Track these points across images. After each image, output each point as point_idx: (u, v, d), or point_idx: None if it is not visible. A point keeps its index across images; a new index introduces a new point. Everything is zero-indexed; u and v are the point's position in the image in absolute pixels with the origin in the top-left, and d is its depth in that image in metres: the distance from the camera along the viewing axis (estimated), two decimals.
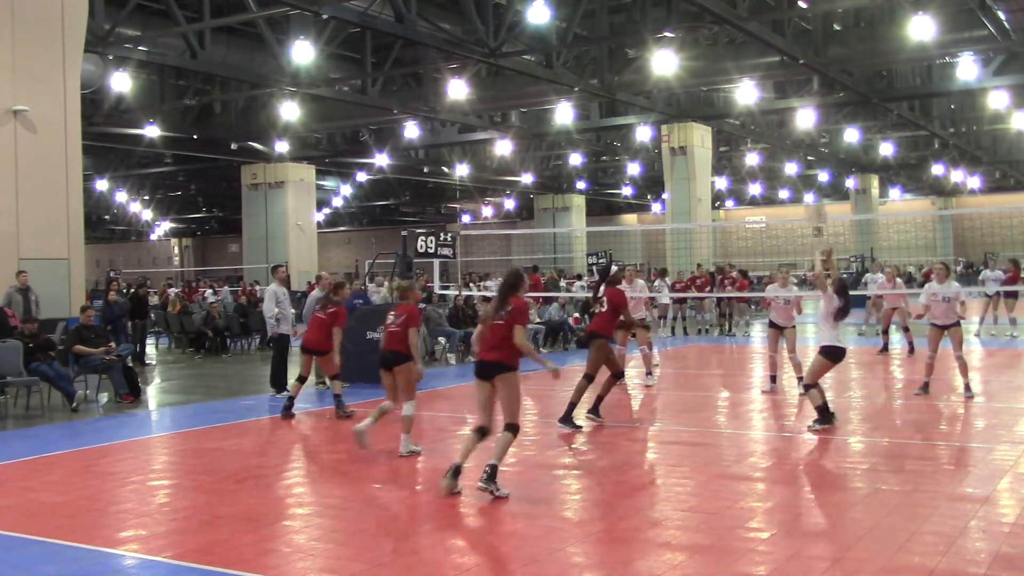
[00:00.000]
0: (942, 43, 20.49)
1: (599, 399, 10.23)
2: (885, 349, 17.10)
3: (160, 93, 26.65)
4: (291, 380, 11.99)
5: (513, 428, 7.06)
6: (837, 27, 23.19)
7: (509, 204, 54.91)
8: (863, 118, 34.43)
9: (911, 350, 16.51)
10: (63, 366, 12.64)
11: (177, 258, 68.85)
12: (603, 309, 10.32)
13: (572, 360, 17.33)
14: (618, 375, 10.31)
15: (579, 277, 31.56)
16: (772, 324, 12.43)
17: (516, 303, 7.22)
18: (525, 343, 7.15)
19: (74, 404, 11.99)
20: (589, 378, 10.07)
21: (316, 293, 13.97)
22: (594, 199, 53.34)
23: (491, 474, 6.90)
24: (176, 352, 21.10)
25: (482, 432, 7.14)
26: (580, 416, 10.04)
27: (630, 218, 62.12)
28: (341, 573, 5.44)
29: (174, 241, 69.47)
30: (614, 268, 13.15)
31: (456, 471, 7.04)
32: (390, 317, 8.76)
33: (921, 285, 21.53)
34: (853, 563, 5.37)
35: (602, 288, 10.56)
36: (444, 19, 20.85)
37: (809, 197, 52.56)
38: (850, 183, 48.39)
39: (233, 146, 32.34)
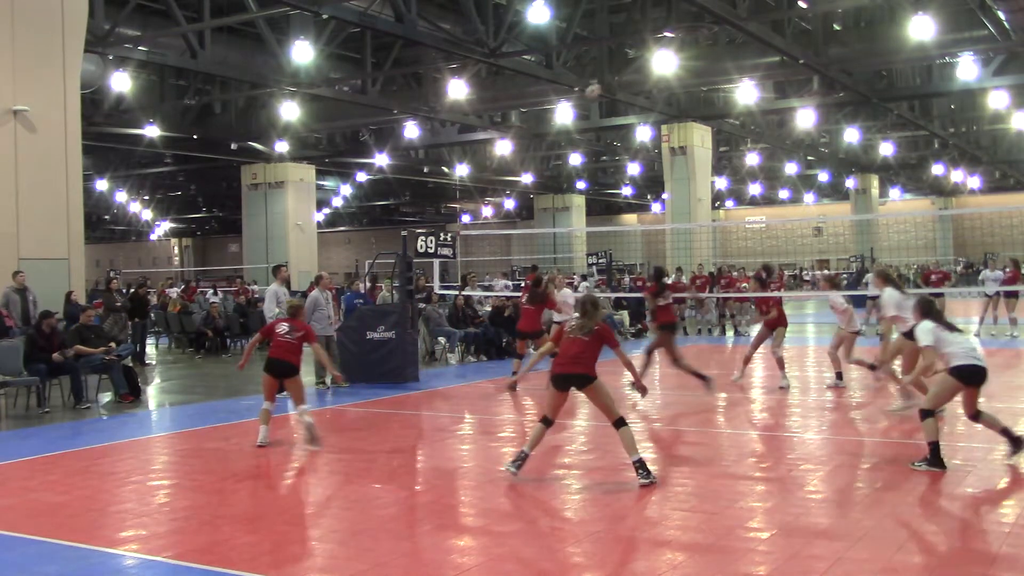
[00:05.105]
0: (942, 43, 20.50)
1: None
2: None
3: (160, 93, 26.64)
4: None
5: (621, 422, 7.50)
6: (837, 27, 23.18)
7: (509, 204, 54.89)
8: (863, 118, 34.43)
9: None
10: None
11: (177, 258, 68.86)
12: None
13: None
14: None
15: (584, 278, 30.73)
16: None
17: (601, 326, 7.63)
18: (625, 357, 7.87)
19: (83, 402, 12.05)
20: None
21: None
22: (594, 199, 53.33)
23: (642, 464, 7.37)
24: (176, 352, 21.09)
25: (548, 423, 7.65)
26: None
27: (630, 218, 62.16)
28: (341, 573, 5.44)
29: (174, 241, 69.48)
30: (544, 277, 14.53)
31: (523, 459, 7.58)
32: (284, 327, 9.34)
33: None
34: (853, 563, 5.36)
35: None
36: (444, 19, 20.83)
37: (809, 197, 52.59)
38: (850, 183, 48.37)
39: (233, 146, 32.33)
